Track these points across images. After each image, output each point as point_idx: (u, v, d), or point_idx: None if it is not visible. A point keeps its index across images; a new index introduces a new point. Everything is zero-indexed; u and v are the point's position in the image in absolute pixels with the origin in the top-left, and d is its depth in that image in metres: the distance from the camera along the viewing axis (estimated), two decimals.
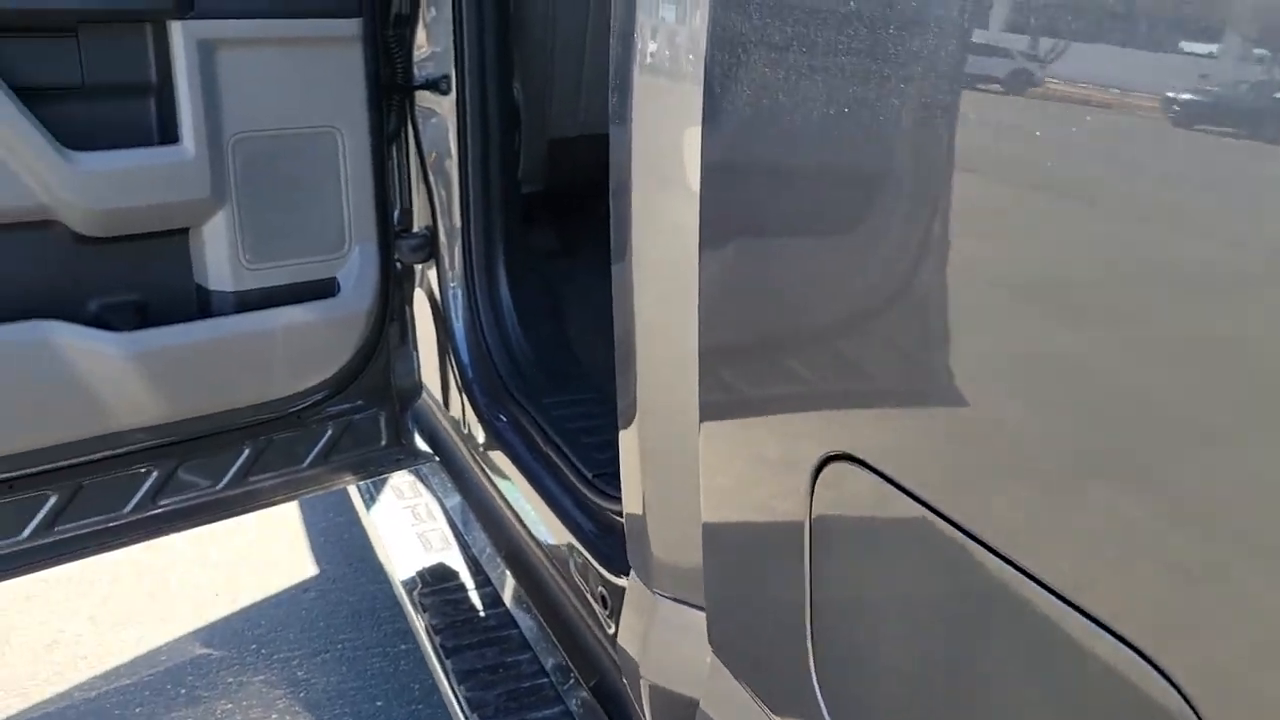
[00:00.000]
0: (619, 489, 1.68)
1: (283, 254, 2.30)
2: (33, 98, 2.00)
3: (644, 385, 1.48)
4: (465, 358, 2.64)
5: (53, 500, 2.28)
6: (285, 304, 2.29)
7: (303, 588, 3.30)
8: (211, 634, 3.08)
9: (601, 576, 1.83)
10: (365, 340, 2.44)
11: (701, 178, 1.22)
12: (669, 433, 1.44)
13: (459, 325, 2.67)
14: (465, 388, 2.61)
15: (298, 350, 2.33)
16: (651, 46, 1.32)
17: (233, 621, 3.13)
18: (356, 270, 2.39)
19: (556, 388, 2.46)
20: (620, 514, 1.70)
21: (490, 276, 2.64)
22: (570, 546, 2.00)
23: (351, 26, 2.25)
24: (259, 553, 3.47)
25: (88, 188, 2.04)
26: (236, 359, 2.25)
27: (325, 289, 2.37)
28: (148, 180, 2.10)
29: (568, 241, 3.14)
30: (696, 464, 1.34)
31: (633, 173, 1.40)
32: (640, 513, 1.57)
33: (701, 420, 1.31)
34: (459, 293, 2.67)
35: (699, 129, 1.20)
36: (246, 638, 3.05)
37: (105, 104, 2.11)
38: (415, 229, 2.69)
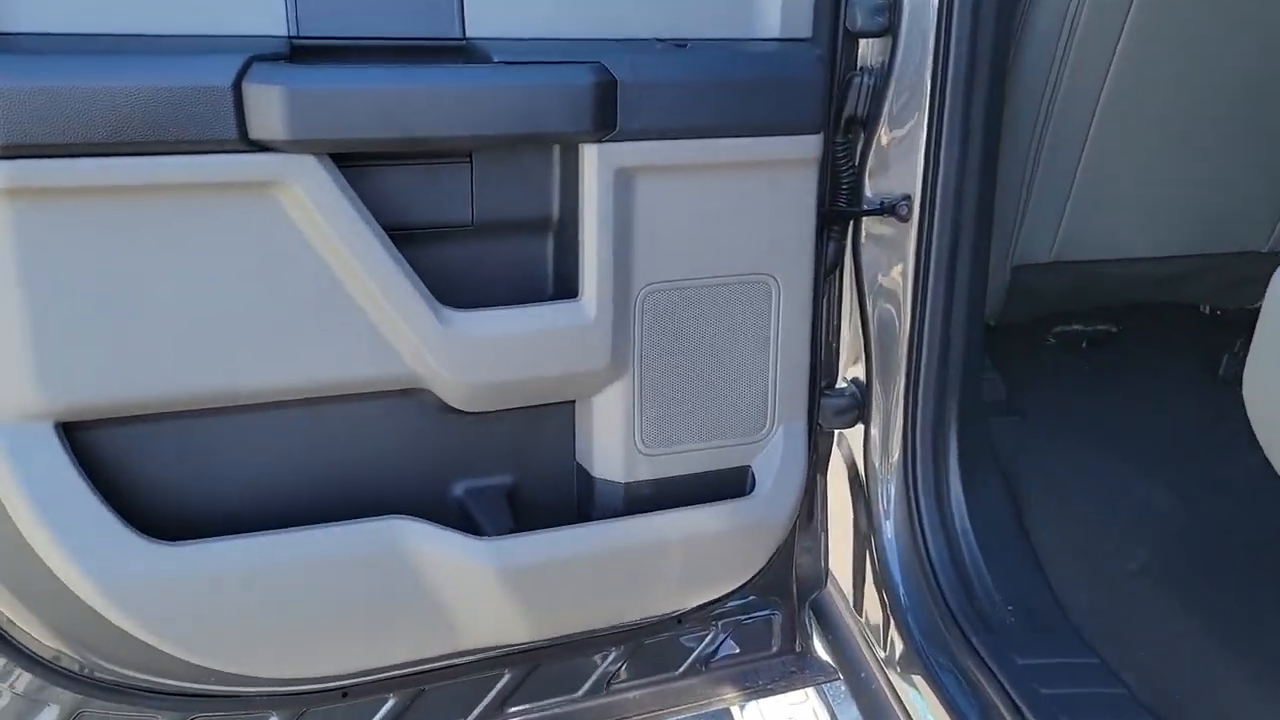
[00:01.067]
0: None
1: (688, 437, 1.76)
2: (407, 240, 1.57)
3: None
4: (892, 556, 2.02)
5: (390, 704, 1.87)
6: (686, 503, 1.76)
7: None
8: None
9: None
10: (782, 544, 1.87)
11: None
12: None
13: (886, 508, 2.05)
14: (888, 595, 1.99)
15: (699, 561, 1.79)
16: None
17: None
18: (779, 459, 1.82)
19: (1035, 641, 1.79)
20: None
21: (936, 446, 2.01)
22: None
23: (809, 146, 1.68)
24: None
25: (465, 355, 1.58)
26: (624, 572, 1.74)
27: (736, 482, 1.82)
28: (537, 346, 1.62)
29: (1022, 393, 2.45)
30: None
31: None
32: None
33: None
34: (890, 465, 2.05)
35: None
36: None
37: (493, 248, 1.65)
38: (840, 384, 2.09)
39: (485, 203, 1.62)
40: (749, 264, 1.71)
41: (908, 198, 1.95)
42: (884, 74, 1.93)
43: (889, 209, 1.96)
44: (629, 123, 1.55)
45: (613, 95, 1.52)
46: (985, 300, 2.00)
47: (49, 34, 1.38)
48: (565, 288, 1.68)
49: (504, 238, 1.66)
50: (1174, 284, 2.45)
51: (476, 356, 1.58)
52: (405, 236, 1.61)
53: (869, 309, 2.06)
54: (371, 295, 1.51)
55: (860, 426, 2.13)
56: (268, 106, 1.36)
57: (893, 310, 2.02)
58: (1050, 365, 2.71)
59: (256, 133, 1.38)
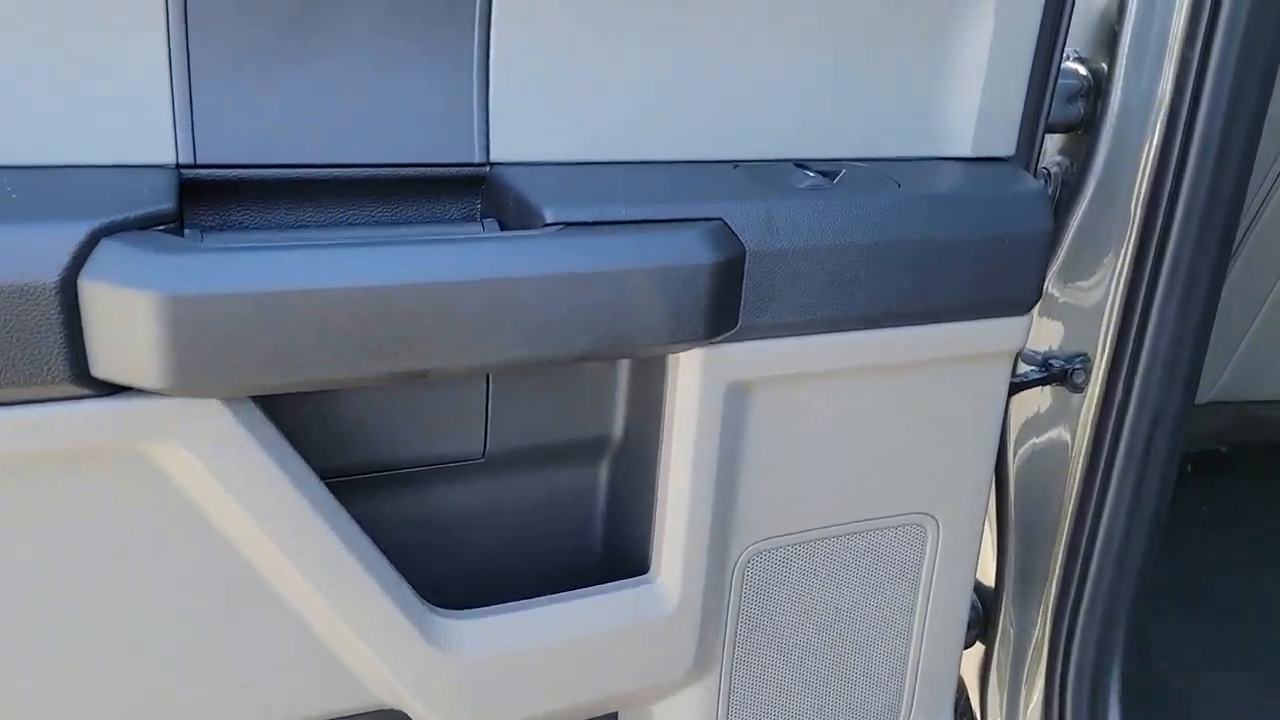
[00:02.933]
0: None
1: None
2: (372, 491, 0.94)
3: None
4: None
5: None
6: None
7: None
8: None
9: None
10: None
11: None
12: None
13: None
14: None
15: None
16: None
17: None
18: None
19: None
20: None
21: (1095, 682, 1.46)
22: None
23: (1016, 331, 1.07)
24: None
25: (468, 688, 0.95)
26: None
27: None
28: (583, 660, 1.00)
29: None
30: None
31: None
32: None
33: None
34: (1021, 702, 1.50)
35: None
36: None
37: (512, 491, 1.02)
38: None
39: (504, 428, 0.99)
40: (901, 501, 1.11)
41: (1084, 358, 1.37)
42: (1071, 184, 1.33)
43: (1059, 375, 1.37)
44: (757, 314, 0.92)
45: (737, 276, 0.90)
46: (1172, 487, 1.43)
47: None
48: (625, 549, 1.05)
49: (530, 473, 1.03)
50: None
51: (484, 688, 0.96)
52: (370, 483, 0.97)
53: (1010, 493, 1.49)
54: (316, 604, 0.87)
55: (979, 646, 1.57)
56: (124, 324, 0.71)
57: (1049, 498, 1.45)
58: None
59: (104, 369, 0.73)
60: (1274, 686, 1.76)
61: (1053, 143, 1.34)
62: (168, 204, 0.75)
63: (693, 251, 0.86)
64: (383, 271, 0.76)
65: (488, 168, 0.90)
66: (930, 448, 1.10)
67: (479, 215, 0.92)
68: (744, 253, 0.90)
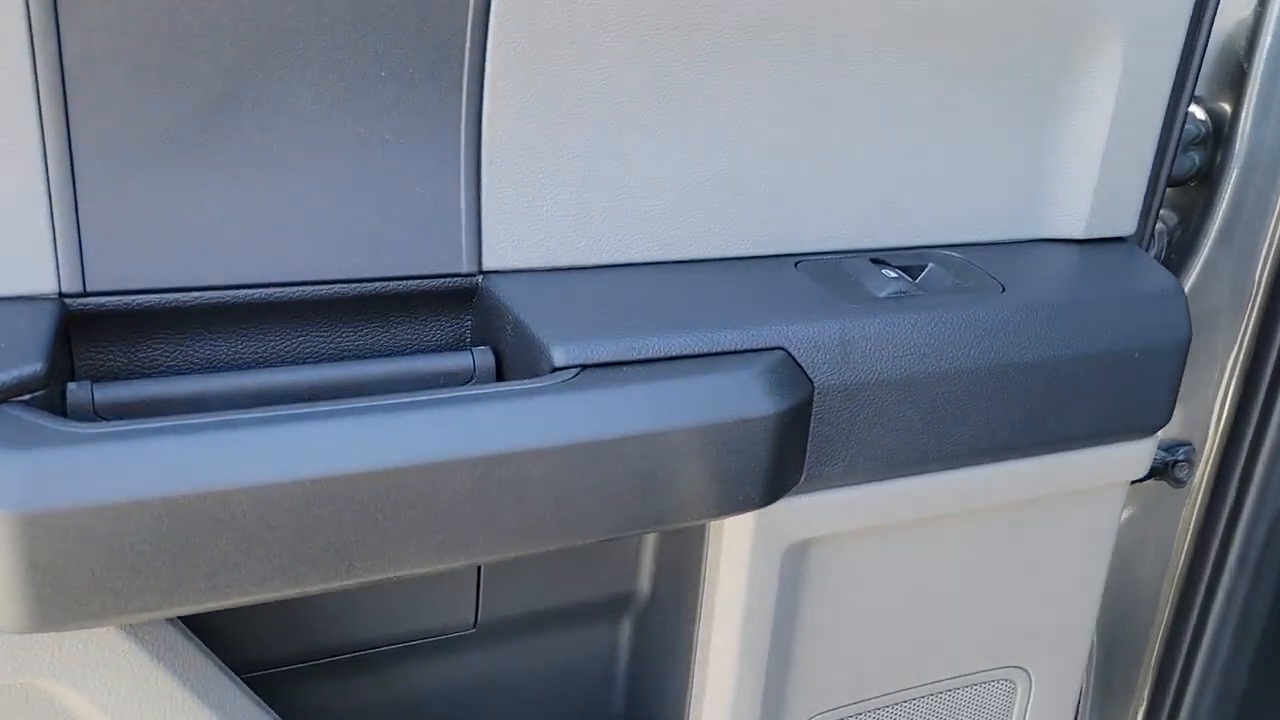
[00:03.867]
0: None
1: None
2: (329, 674, 0.74)
3: None
4: None
5: None
6: None
7: None
8: None
9: None
10: None
11: None
12: None
13: None
14: None
15: None
16: None
17: None
18: None
19: None
20: None
21: None
22: None
23: (1140, 456, 0.86)
24: None
25: None
26: None
27: None
28: None
29: None
30: None
31: None
32: None
33: None
34: None
35: None
36: None
37: (511, 665, 0.82)
38: None
39: (501, 592, 0.78)
40: (988, 655, 0.91)
41: (1189, 449, 1.16)
42: (1181, 243, 1.12)
43: (1159, 469, 1.16)
44: (828, 463, 0.72)
45: (804, 422, 0.69)
46: None
47: None
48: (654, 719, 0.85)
49: (535, 639, 0.82)
50: None
51: None
52: (344, 664, 0.76)
53: None
54: None
55: None
56: None
57: (1137, 612, 1.24)
58: None
59: None
60: None
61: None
62: (34, 365, 0.55)
63: (748, 399, 0.65)
64: (332, 455, 0.56)
65: (479, 278, 0.69)
66: (1026, 593, 0.90)
67: (469, 339, 0.72)
68: (812, 391, 0.69)
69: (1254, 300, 1.08)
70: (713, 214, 0.73)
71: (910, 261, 0.79)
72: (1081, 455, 0.82)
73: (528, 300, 0.67)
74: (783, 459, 0.67)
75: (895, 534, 0.80)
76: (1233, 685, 1.21)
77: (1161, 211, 1.13)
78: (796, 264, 0.76)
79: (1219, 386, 1.13)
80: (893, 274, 0.76)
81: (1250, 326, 1.09)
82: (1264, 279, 1.07)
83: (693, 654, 0.80)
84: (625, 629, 0.85)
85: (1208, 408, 1.14)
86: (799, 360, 0.68)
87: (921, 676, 0.89)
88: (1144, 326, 0.79)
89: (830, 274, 0.75)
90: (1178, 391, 0.84)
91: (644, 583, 0.83)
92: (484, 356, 0.69)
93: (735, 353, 0.67)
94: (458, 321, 0.71)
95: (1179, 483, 1.17)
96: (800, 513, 0.74)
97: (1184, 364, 0.82)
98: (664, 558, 0.81)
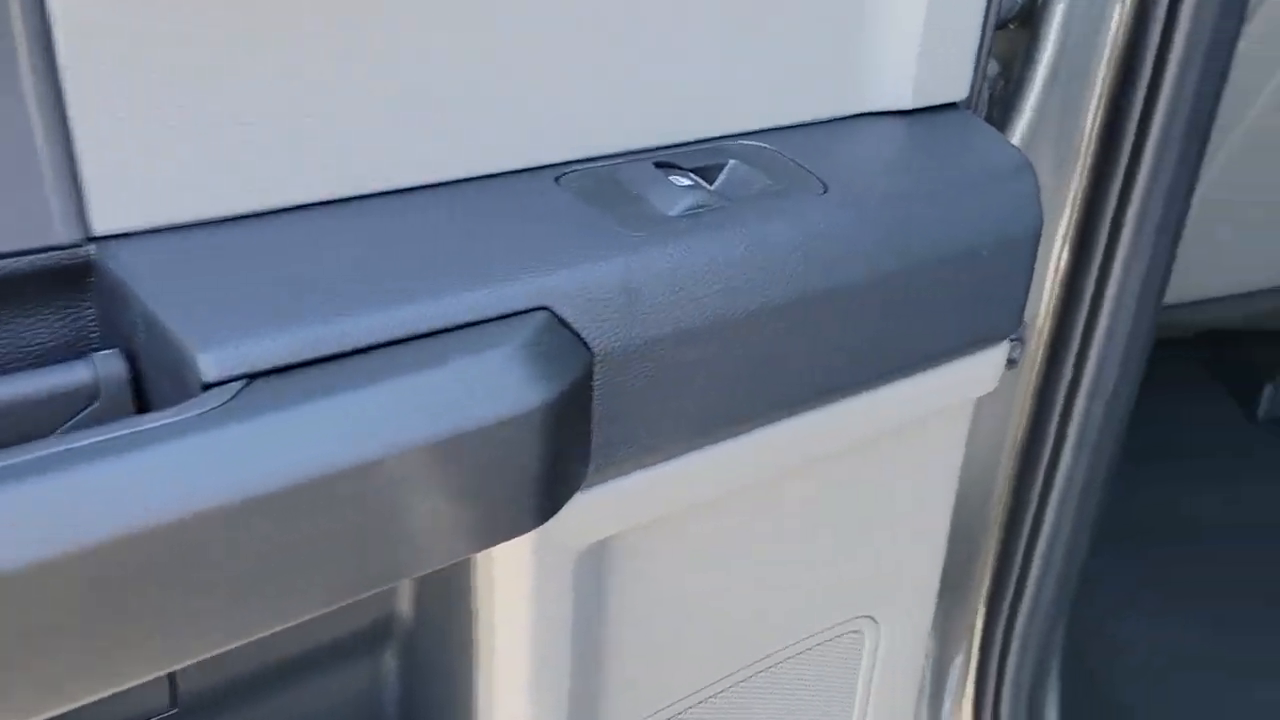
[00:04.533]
0: None
1: None
2: None
3: None
4: None
5: None
6: None
7: None
8: None
9: None
10: None
11: None
12: None
13: None
14: None
15: None
16: None
17: None
18: None
19: None
20: None
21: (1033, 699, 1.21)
22: None
23: (989, 368, 0.72)
24: None
25: None
26: None
27: None
28: None
29: None
30: None
31: None
32: None
33: None
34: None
35: None
36: None
37: None
38: None
39: (204, 660, 0.58)
40: (833, 611, 0.77)
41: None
42: (1005, 96, 0.98)
43: None
44: (621, 446, 0.54)
45: (583, 403, 0.51)
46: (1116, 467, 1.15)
47: None
48: None
49: (265, 703, 0.63)
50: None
51: None
52: None
53: None
54: None
55: None
56: None
57: (974, 499, 1.14)
58: None
59: None
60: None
61: None
62: None
63: (502, 392, 0.46)
64: None
65: (88, 248, 0.47)
66: (871, 538, 0.76)
67: (93, 342, 0.49)
68: (591, 360, 0.50)
69: (1083, 159, 0.95)
70: (427, 120, 0.52)
71: (706, 161, 0.60)
72: (926, 378, 0.67)
73: (161, 277, 0.45)
74: (560, 459, 0.49)
75: (717, 505, 0.64)
76: (1073, 568, 1.14)
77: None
78: (557, 179, 0.56)
79: (1050, 254, 1.01)
80: (685, 181, 0.58)
81: (1081, 188, 0.97)
82: (1093, 133, 0.94)
83: (474, 682, 0.63)
84: (388, 662, 0.67)
85: (1039, 278, 1.02)
86: (568, 321, 0.50)
87: (761, 650, 0.74)
88: (992, 216, 0.64)
89: (603, 189, 0.56)
90: (1028, 289, 0.70)
91: (404, 603, 0.65)
92: (110, 364, 0.47)
93: (477, 324, 0.47)
94: (73, 315, 0.49)
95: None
96: (592, 511, 0.56)
97: (1034, 256, 0.68)
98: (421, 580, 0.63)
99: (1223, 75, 0.91)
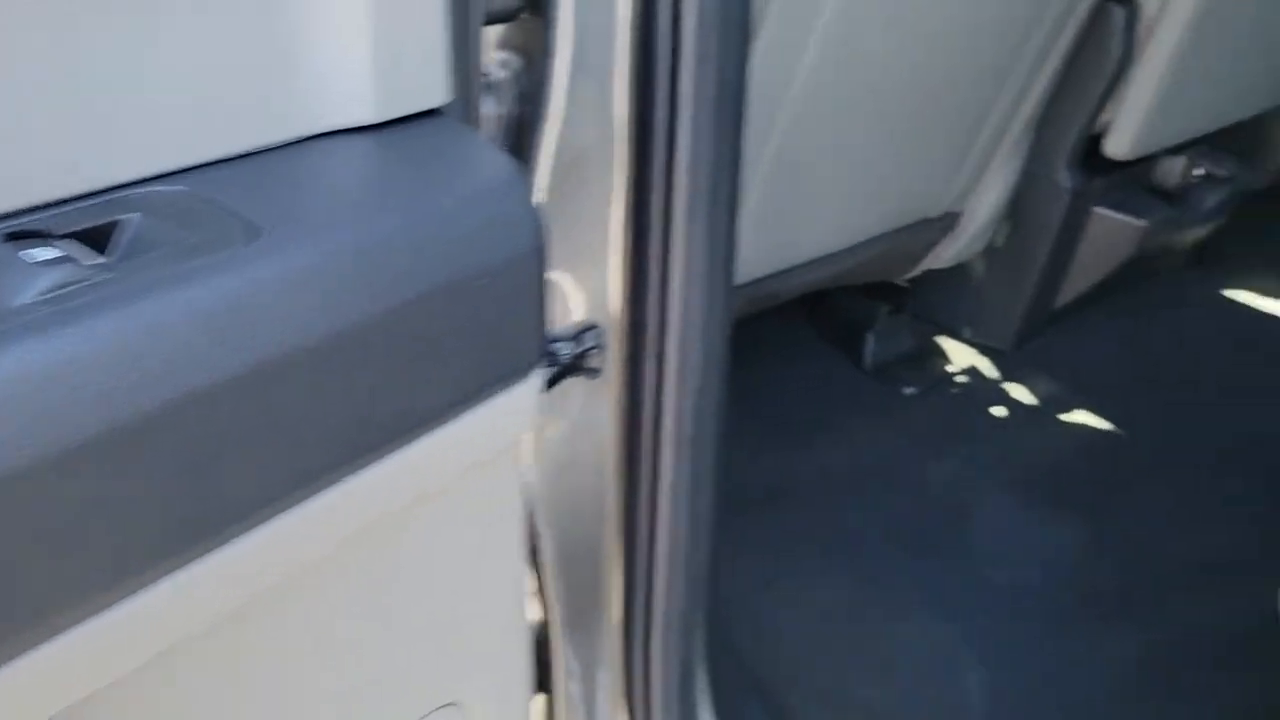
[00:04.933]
0: None
1: None
2: None
3: None
4: None
5: None
6: None
7: None
8: None
9: None
10: None
11: None
12: None
13: None
14: None
15: None
16: None
17: None
18: None
19: None
20: None
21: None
22: None
23: (522, 405, 0.63)
24: None
25: None
26: None
27: None
28: None
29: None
30: None
31: None
32: None
33: None
34: None
35: None
36: None
37: None
38: None
39: None
40: (403, 711, 0.66)
41: (596, 331, 0.98)
42: (534, 86, 0.90)
43: (571, 364, 0.97)
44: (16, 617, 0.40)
45: None
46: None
47: None
48: None
49: None
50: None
51: None
52: None
53: (542, 528, 1.09)
54: None
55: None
56: None
57: (585, 512, 1.08)
58: None
59: None
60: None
61: (492, 37, 0.89)
62: None
63: None
64: None
65: None
66: (431, 616, 0.65)
67: None
68: None
69: (629, 145, 0.89)
70: None
71: (95, 220, 0.47)
72: (436, 439, 0.57)
73: None
74: None
75: (197, 642, 0.51)
76: (699, 567, 1.09)
77: (499, 56, 0.90)
78: None
79: (612, 248, 0.95)
80: (49, 253, 0.44)
81: (628, 172, 0.91)
82: (632, 118, 0.88)
83: None
84: None
85: (603, 277, 0.96)
86: None
87: None
88: (480, 238, 0.55)
89: None
90: (544, 308, 0.62)
91: None
92: None
93: None
94: None
95: (594, 373, 0.99)
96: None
97: (543, 271, 0.59)
98: None
99: (743, 41, 0.87)
